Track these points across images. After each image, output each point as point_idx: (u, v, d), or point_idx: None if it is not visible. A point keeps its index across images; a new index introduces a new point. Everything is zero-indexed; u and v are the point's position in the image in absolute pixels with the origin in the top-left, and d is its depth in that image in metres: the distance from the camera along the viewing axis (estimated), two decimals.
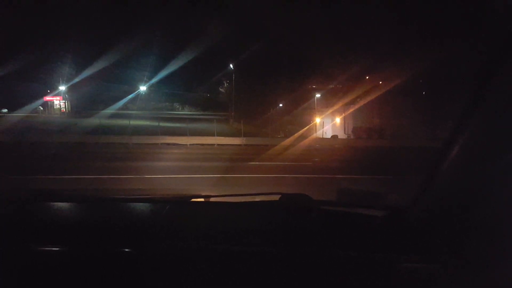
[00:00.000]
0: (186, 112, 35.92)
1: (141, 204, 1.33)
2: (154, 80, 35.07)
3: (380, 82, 24.57)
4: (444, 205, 0.89)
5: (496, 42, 0.74)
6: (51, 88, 35.07)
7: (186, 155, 12.86)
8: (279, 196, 1.22)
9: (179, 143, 16.69)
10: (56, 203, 1.30)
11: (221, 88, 37.82)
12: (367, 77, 26.96)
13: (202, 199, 1.37)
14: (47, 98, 35.28)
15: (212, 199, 1.40)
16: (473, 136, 0.80)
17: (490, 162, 0.77)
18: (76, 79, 33.11)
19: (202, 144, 16.95)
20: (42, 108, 34.32)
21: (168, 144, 16.31)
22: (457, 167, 0.85)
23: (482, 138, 0.79)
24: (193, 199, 1.33)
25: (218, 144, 17.24)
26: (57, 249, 0.92)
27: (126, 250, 0.91)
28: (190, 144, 16.77)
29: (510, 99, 0.73)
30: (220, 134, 18.96)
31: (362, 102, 24.32)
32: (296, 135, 20.56)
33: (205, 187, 6.26)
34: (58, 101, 35.85)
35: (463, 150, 0.82)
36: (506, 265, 0.77)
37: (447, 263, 0.84)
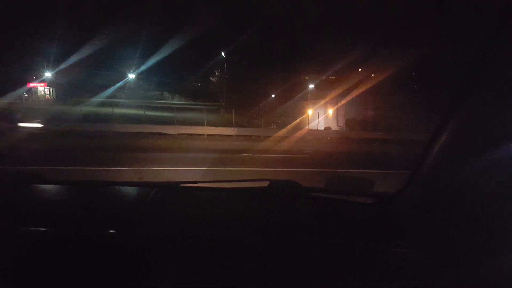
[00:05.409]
0: (176, 101, 34.95)
1: (127, 188, 1.30)
2: (143, 68, 33.94)
3: (373, 74, 24.23)
4: (431, 195, 0.87)
5: (485, 35, 0.72)
6: (36, 75, 34.03)
7: (172, 145, 12.24)
8: (268, 182, 1.23)
9: (166, 132, 16.06)
10: (40, 185, 1.29)
11: (212, 77, 36.78)
12: (360, 69, 26.69)
13: (189, 185, 1.33)
14: (31, 84, 34.11)
15: (199, 185, 1.36)
16: (460, 128, 0.80)
17: (476, 154, 0.76)
18: (62, 65, 32.02)
19: (191, 134, 16.38)
20: (27, 95, 33.17)
21: (154, 133, 15.65)
22: (444, 158, 0.84)
23: (469, 130, 0.78)
24: (181, 185, 1.31)
25: (208, 134, 16.67)
26: (42, 229, 0.91)
27: (111, 231, 0.90)
28: (178, 134, 16.16)
29: (497, 92, 0.72)
30: (210, 124, 18.34)
31: (355, 94, 23.97)
32: (289, 126, 20.11)
33: None
34: (42, 88, 34.76)
35: (450, 142, 0.81)
36: (493, 255, 0.76)
37: (435, 250, 0.83)
